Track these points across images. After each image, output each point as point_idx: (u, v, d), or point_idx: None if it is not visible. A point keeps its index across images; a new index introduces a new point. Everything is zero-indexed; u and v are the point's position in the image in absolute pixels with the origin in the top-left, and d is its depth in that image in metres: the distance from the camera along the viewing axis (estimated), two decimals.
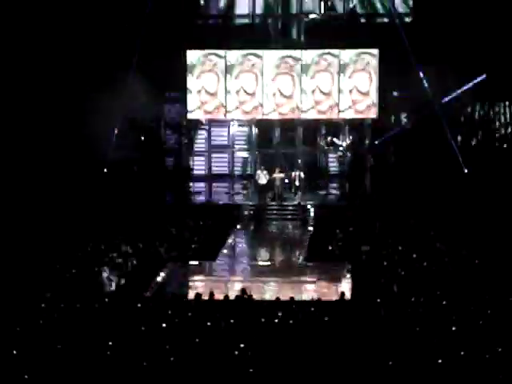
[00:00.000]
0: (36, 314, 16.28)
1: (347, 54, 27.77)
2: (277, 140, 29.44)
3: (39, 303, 17.03)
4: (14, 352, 13.88)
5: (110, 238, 22.64)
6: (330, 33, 28.16)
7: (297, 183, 27.68)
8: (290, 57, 27.86)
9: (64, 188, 26.72)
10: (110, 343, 14.49)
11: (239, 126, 29.62)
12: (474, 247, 21.20)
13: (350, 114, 28.02)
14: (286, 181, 27.82)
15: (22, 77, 26.45)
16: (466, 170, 26.88)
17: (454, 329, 15.18)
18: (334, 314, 16.16)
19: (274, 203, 27.13)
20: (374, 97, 27.66)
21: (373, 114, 27.96)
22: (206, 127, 29.63)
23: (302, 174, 27.79)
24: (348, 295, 18.51)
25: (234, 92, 27.92)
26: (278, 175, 27.44)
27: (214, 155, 29.86)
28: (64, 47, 27.01)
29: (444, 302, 17.01)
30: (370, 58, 27.54)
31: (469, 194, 25.27)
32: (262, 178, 27.36)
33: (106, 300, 17.90)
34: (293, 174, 27.94)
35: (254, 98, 27.90)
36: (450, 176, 26.42)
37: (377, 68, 27.49)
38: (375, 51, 27.55)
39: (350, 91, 27.71)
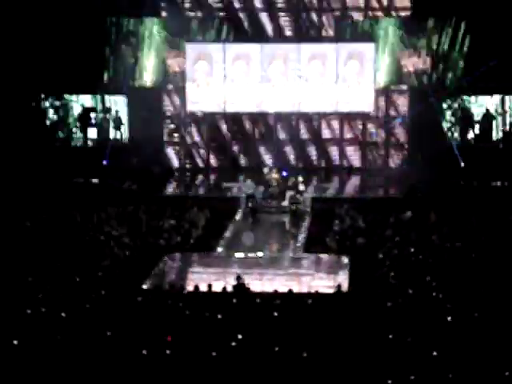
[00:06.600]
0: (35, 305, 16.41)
1: None
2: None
3: (37, 295, 17.14)
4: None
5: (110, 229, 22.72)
6: None
7: (301, 187, 26.16)
8: None
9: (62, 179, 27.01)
10: (109, 334, 14.61)
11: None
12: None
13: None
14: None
15: None
16: None
17: (449, 319, 15.33)
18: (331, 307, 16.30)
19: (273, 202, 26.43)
20: None
21: None
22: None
23: (301, 179, 26.38)
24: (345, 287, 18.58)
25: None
26: (274, 176, 26.70)
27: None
28: None
29: (440, 294, 17.15)
30: None
31: None
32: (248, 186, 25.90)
33: (103, 292, 17.97)
34: (293, 180, 26.37)
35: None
36: None
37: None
38: None
39: None
